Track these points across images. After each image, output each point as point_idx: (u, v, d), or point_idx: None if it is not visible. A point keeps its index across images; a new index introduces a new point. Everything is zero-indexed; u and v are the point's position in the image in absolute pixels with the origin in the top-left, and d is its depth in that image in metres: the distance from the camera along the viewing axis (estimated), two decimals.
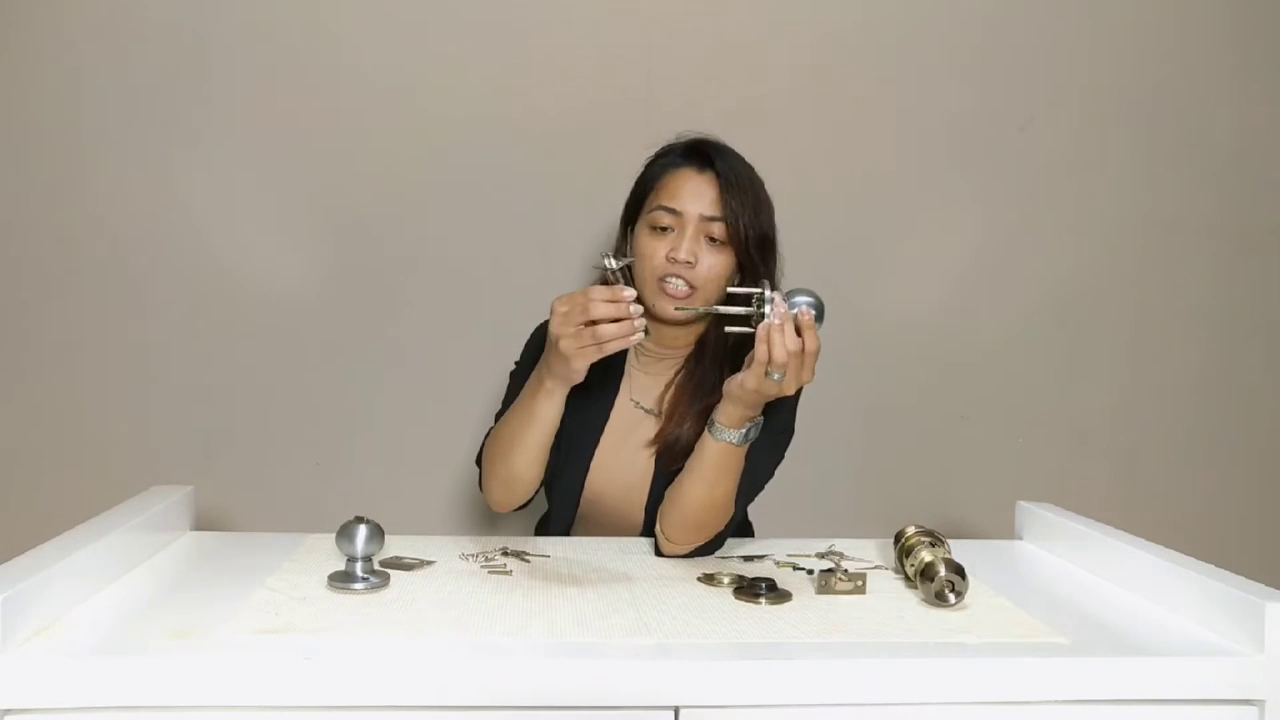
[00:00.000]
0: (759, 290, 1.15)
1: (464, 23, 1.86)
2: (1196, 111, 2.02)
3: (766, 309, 1.14)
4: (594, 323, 1.11)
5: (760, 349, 1.14)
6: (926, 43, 1.95)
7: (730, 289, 1.19)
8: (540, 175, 1.89)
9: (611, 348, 1.13)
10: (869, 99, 1.95)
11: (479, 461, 1.40)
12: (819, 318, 1.15)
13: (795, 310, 1.14)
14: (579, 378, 1.18)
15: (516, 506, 1.36)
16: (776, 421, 1.37)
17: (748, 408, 1.21)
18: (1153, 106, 2.01)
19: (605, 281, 1.16)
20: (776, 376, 1.14)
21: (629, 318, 1.12)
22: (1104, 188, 2.02)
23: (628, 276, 1.16)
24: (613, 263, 1.14)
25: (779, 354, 1.13)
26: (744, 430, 1.23)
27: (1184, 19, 2.01)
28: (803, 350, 1.14)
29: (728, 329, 1.18)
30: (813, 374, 1.16)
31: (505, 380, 1.47)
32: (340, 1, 1.84)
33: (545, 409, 1.23)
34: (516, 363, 1.46)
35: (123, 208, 1.83)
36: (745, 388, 1.17)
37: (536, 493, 1.36)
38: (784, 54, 1.93)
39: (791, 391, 1.17)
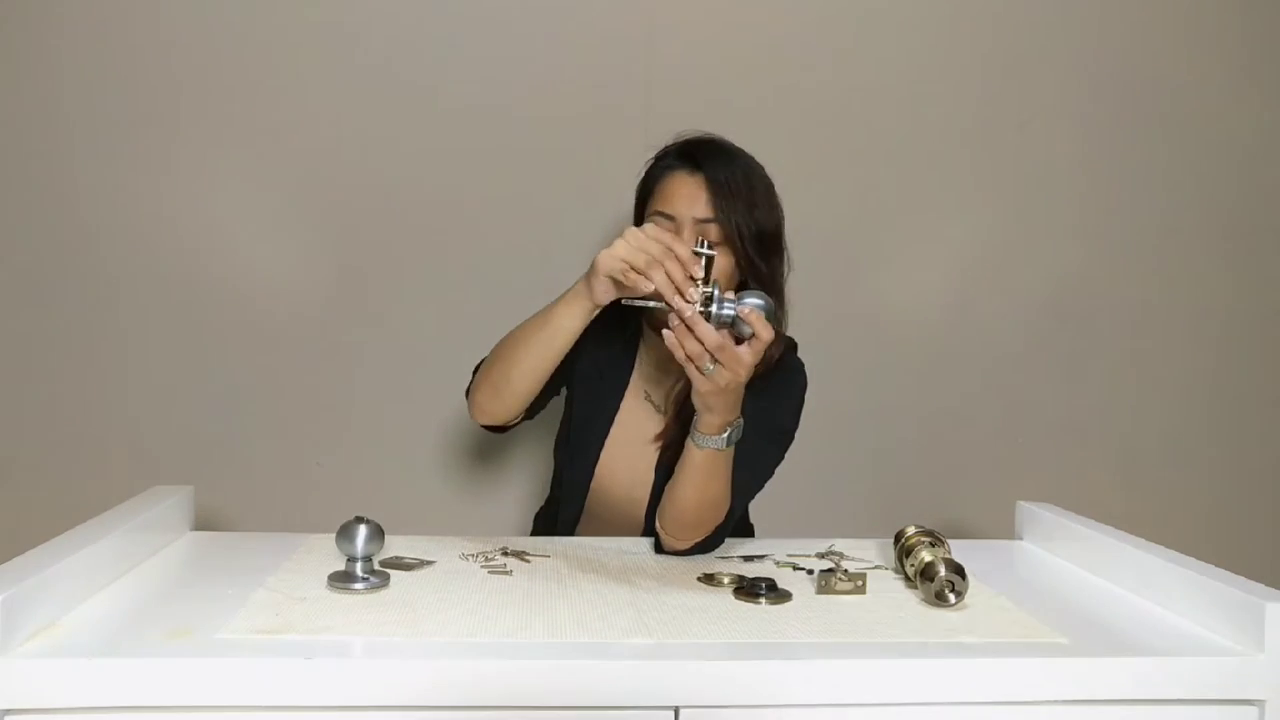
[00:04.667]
0: (708, 290, 1.16)
1: (462, 21, 1.86)
2: (1197, 110, 2.02)
3: (713, 308, 1.15)
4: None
5: (673, 348, 1.14)
6: (926, 42, 1.95)
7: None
8: (540, 175, 1.89)
9: (649, 286, 1.14)
10: (868, 99, 1.95)
11: (476, 369, 1.40)
12: (768, 316, 1.16)
13: (731, 310, 1.15)
14: (604, 296, 1.20)
15: (495, 422, 1.37)
16: (779, 422, 1.37)
17: (722, 411, 1.20)
18: (1153, 105, 2.01)
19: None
20: (709, 369, 1.14)
21: (686, 285, 1.14)
22: (1104, 187, 2.02)
23: (708, 267, 1.18)
24: (705, 250, 1.18)
25: (691, 346, 1.13)
26: (725, 434, 1.23)
27: (1185, 18, 2.01)
28: (736, 343, 1.14)
29: (663, 331, 1.16)
30: (757, 358, 1.16)
31: None
32: (337, 1, 1.84)
33: (562, 316, 1.24)
34: None
35: (123, 210, 1.83)
36: (700, 391, 1.17)
37: (517, 422, 1.37)
38: (783, 53, 1.93)
39: (743, 377, 1.16)
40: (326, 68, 1.85)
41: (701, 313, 1.15)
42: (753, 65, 1.92)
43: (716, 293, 1.16)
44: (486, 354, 1.38)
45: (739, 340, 1.16)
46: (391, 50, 1.86)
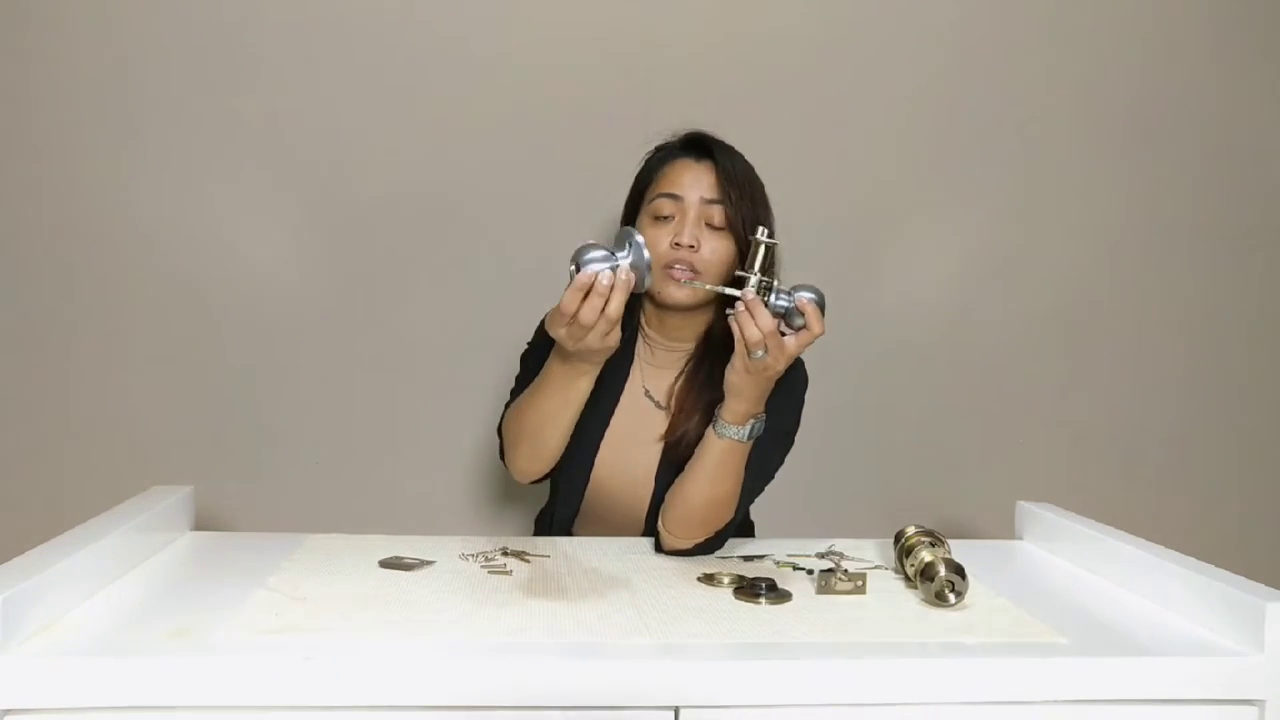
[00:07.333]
0: (766, 279, 1.18)
1: (463, 23, 1.86)
2: (1197, 111, 2.02)
3: (770, 297, 1.18)
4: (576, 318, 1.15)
5: (735, 330, 1.18)
6: (926, 43, 1.95)
7: (738, 272, 1.20)
8: (540, 173, 1.89)
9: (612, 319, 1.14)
10: (869, 99, 1.95)
11: (500, 432, 1.41)
12: (821, 310, 1.19)
13: (787, 302, 1.18)
14: (613, 347, 1.20)
15: (542, 476, 1.38)
16: (781, 422, 1.37)
17: (750, 401, 1.23)
18: (1153, 107, 2.01)
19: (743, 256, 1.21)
20: (759, 354, 1.17)
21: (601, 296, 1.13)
22: (1104, 188, 2.02)
23: (767, 256, 1.19)
24: (765, 238, 1.19)
25: (751, 333, 1.16)
26: (748, 426, 1.24)
27: (1185, 19, 2.01)
28: (779, 330, 1.18)
29: (728, 311, 1.20)
30: (801, 350, 1.20)
31: (506, 379, 1.47)
32: (338, 2, 1.84)
33: (583, 387, 1.26)
34: (530, 344, 1.45)
35: (124, 209, 1.83)
36: (736, 370, 1.21)
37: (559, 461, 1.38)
38: (784, 54, 1.93)
39: (780, 367, 1.19)
40: (328, 68, 1.85)
41: (760, 297, 1.18)
42: (754, 67, 1.92)
43: (776, 283, 1.18)
44: (503, 418, 1.39)
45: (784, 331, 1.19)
46: (393, 50, 1.86)
